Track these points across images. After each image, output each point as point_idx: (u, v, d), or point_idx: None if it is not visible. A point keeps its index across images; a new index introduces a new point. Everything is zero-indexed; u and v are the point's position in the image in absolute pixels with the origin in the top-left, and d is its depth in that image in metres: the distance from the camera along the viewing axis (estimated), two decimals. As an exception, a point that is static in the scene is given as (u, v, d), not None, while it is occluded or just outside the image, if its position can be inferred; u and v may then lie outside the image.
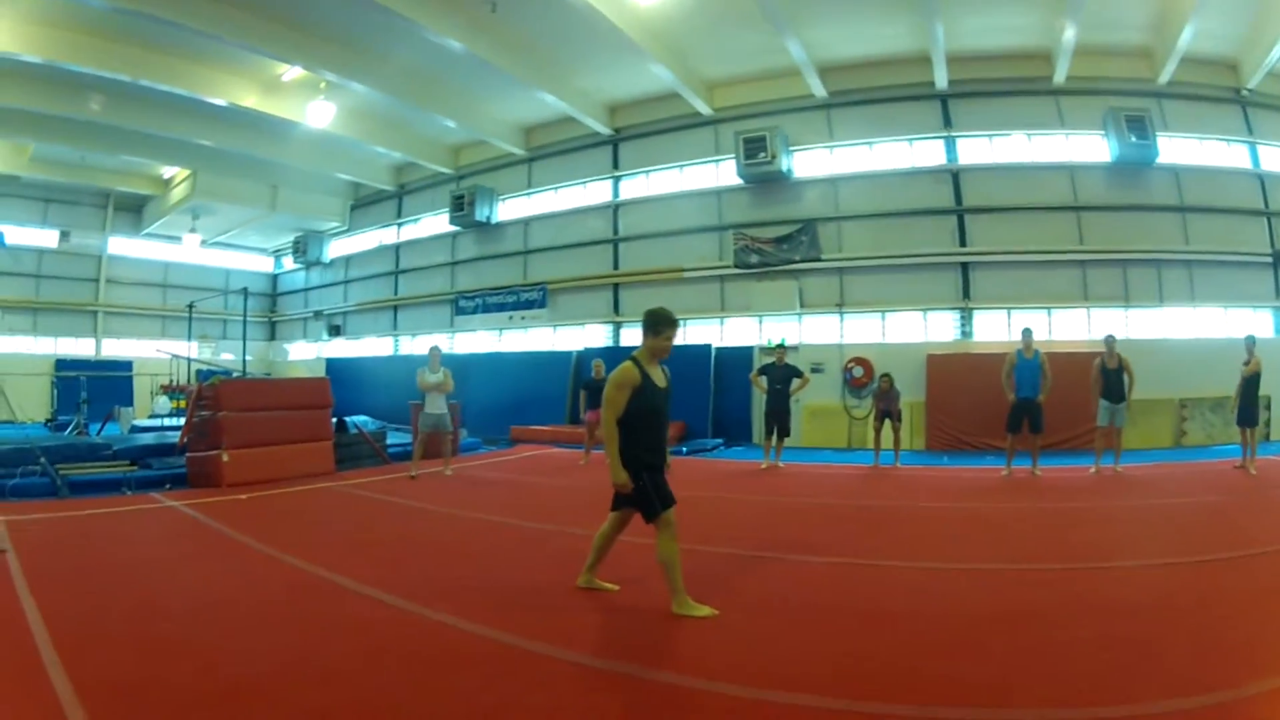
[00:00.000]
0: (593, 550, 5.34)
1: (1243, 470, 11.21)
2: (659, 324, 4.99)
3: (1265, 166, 17.15)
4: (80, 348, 26.63)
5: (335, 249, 27.47)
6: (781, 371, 12.99)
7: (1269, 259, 16.78)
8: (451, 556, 6.74)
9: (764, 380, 13.08)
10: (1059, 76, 16.55)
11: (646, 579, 5.27)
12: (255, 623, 4.68)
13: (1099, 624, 4.62)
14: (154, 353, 22.47)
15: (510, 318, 21.38)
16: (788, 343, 16.92)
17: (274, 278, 30.93)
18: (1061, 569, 6.06)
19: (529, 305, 21.02)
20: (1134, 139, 16.13)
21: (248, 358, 26.27)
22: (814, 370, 16.41)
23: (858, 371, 16.97)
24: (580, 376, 17.54)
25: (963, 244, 17.19)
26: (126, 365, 25.73)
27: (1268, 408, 14.52)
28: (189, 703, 3.45)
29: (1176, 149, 17.03)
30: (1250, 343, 11.66)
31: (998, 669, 3.95)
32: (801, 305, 18.04)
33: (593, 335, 20.54)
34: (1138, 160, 16.59)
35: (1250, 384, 11.53)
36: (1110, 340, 11.75)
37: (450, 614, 4.75)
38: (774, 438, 12.98)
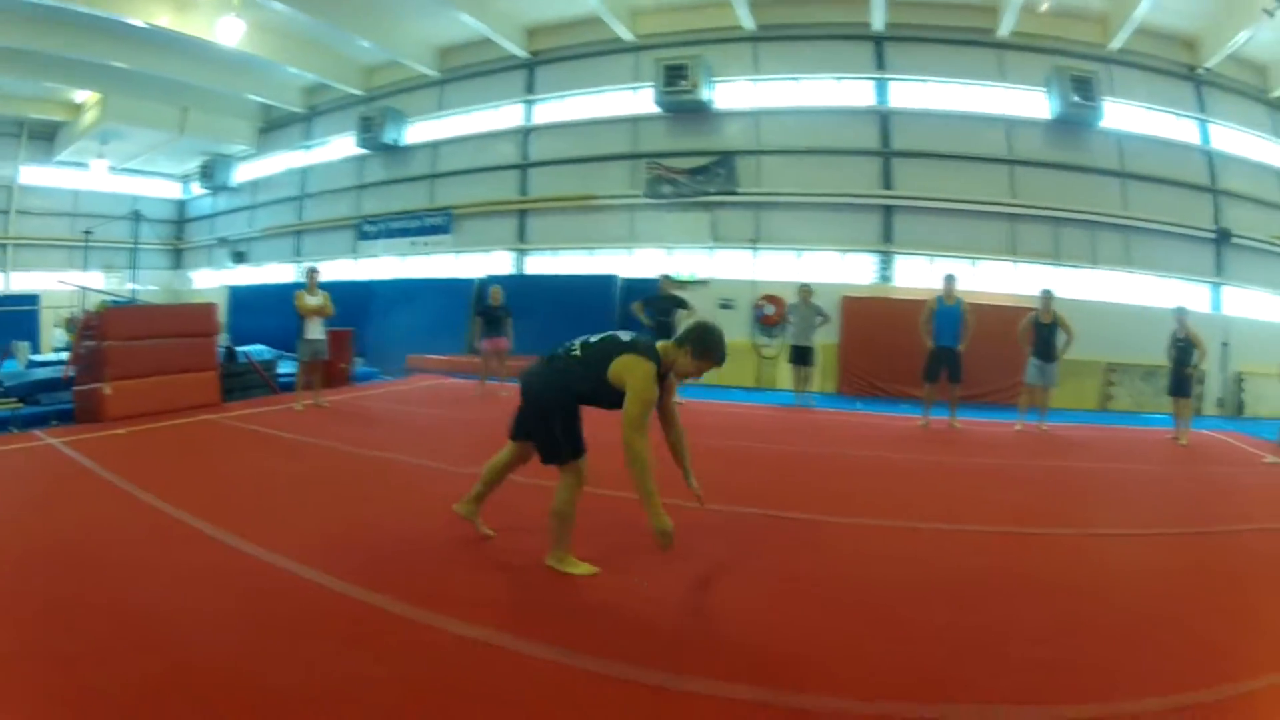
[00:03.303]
0: (481, 480, 4.68)
1: (1174, 441, 10.78)
2: (714, 353, 4.06)
3: (1216, 145, 17.09)
4: (-12, 284, 25.25)
5: (243, 173, 26.23)
6: (664, 302, 12.31)
7: (1211, 235, 16.77)
8: (327, 498, 6.07)
9: (645, 311, 12.35)
10: (1003, 30, 16.26)
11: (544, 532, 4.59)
12: (96, 575, 4.12)
13: (1044, 600, 4.24)
14: (57, 284, 21.32)
15: (413, 243, 20.51)
16: (697, 276, 16.31)
17: (181, 204, 29.47)
18: (994, 532, 5.66)
19: (433, 231, 20.18)
20: (1077, 99, 15.89)
21: (153, 287, 25.26)
22: (723, 306, 15.80)
23: (769, 309, 16.41)
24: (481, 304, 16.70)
25: (887, 187, 16.79)
26: (32, 299, 24.34)
27: (1201, 382, 14.20)
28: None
29: (1122, 115, 16.79)
30: (1180, 314, 11.17)
31: (931, 651, 3.50)
32: (714, 239, 17.46)
33: (497, 262, 19.74)
34: (1079, 121, 16.38)
35: (1183, 353, 11.05)
36: (1046, 295, 11.21)
37: (312, 567, 4.21)
38: None
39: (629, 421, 3.82)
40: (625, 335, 4.15)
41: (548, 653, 3.27)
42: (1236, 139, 17.41)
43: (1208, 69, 16.57)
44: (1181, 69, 16.89)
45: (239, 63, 19.97)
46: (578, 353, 4.11)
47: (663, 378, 4.05)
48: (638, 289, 16.87)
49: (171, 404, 10.04)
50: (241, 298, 21.93)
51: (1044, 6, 15.78)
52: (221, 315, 16.96)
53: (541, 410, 4.15)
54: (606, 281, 17.41)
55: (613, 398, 3.99)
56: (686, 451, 4.47)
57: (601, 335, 4.17)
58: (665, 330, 12.25)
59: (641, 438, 3.81)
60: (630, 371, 3.90)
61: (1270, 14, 13.70)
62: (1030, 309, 11.41)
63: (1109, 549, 5.49)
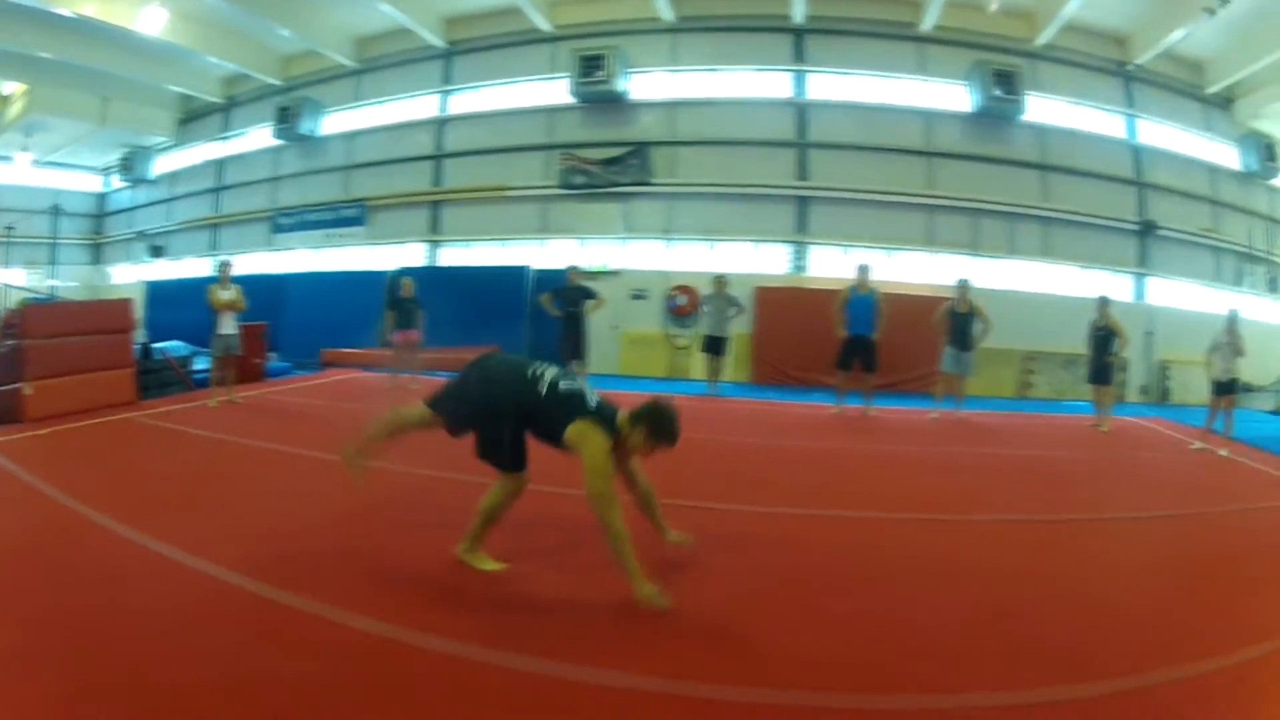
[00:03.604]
0: (383, 426, 4.45)
1: (1095, 429, 10.97)
2: (666, 437, 3.90)
3: (1143, 139, 17.44)
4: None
5: (161, 165, 25.55)
6: (572, 293, 12.21)
7: (1135, 227, 17.14)
8: (235, 494, 5.88)
9: (554, 302, 12.33)
10: (926, 24, 16.42)
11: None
12: (15, 579, 3.93)
13: (960, 588, 4.21)
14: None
15: (328, 236, 20.11)
16: (610, 267, 16.19)
17: (102, 197, 28.49)
18: (909, 519, 5.60)
19: (347, 223, 19.80)
20: (1000, 93, 16.08)
21: (73, 283, 24.71)
22: (636, 297, 15.61)
23: (681, 300, 16.25)
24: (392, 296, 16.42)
25: (803, 178, 16.79)
26: (-45, 298, 23.72)
27: (1123, 370, 14.45)
28: None
29: (1045, 109, 17.04)
30: (1102, 303, 11.30)
31: (847, 642, 3.45)
32: (627, 229, 17.32)
33: (411, 254, 19.39)
34: (1000, 114, 16.56)
35: (1102, 341, 11.15)
36: (963, 284, 11.29)
37: (219, 564, 4.07)
38: (572, 363, 12.24)
39: (597, 497, 3.62)
40: (592, 397, 3.95)
41: (457, 648, 3.19)
42: (1165, 133, 17.67)
43: (1138, 65, 16.89)
44: (1111, 65, 17.20)
45: (160, 52, 19.70)
46: (543, 389, 3.91)
47: (617, 446, 3.89)
48: (549, 280, 16.74)
49: (90, 403, 9.68)
50: (159, 293, 21.37)
51: (994, 6, 15.92)
52: (139, 311, 16.59)
53: (494, 414, 4.00)
54: (518, 273, 17.20)
55: (562, 447, 3.87)
56: (657, 506, 4.32)
57: (570, 386, 3.96)
58: (573, 321, 12.16)
59: (613, 510, 3.61)
60: (586, 442, 3.73)
61: (1211, 12, 13.88)
62: (947, 298, 11.45)
63: (1030, 534, 5.46)
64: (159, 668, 2.95)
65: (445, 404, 4.18)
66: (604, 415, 3.86)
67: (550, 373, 4.00)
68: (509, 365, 4.13)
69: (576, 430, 3.75)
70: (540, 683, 2.93)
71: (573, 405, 3.84)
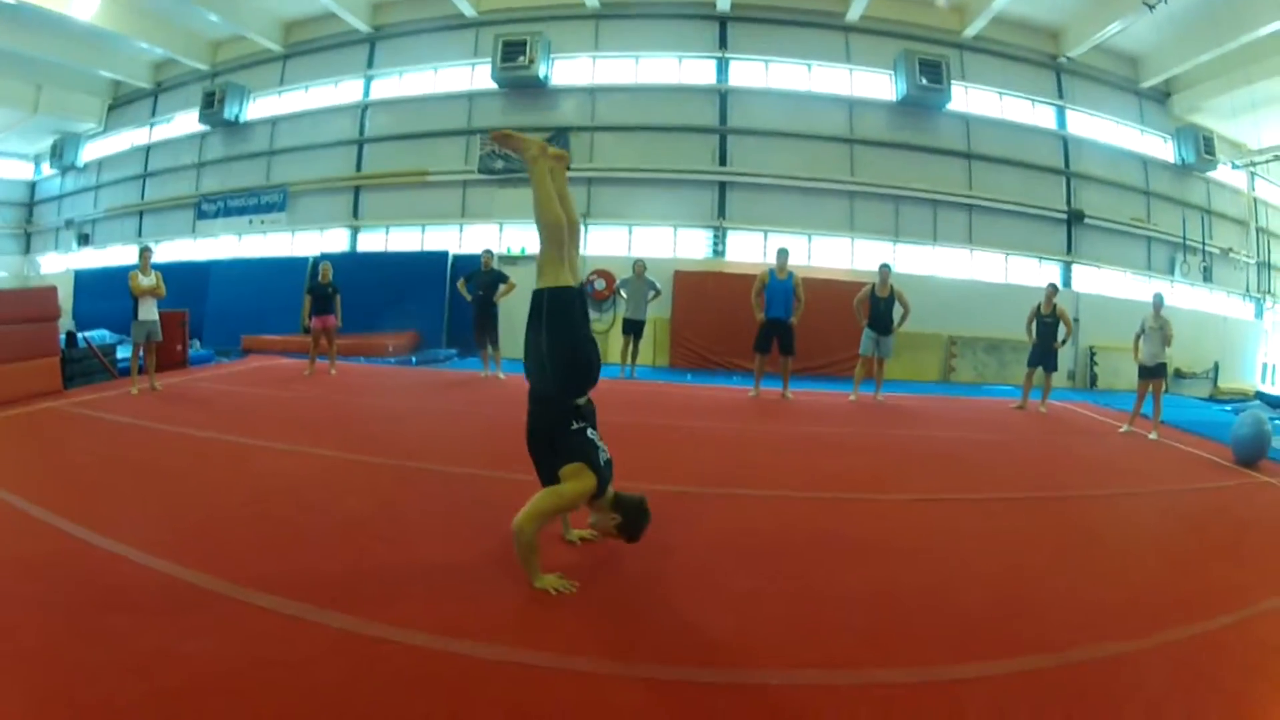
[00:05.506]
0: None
1: (1021, 410, 11.24)
2: (634, 535, 3.88)
3: (1072, 130, 17.66)
4: None
5: (90, 152, 24.96)
6: (485, 277, 12.20)
7: (1062, 215, 17.33)
8: (152, 479, 5.75)
9: (467, 287, 12.36)
10: (853, 14, 16.52)
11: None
12: None
13: (870, 566, 4.15)
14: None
15: (251, 222, 19.89)
16: (528, 251, 16.02)
17: (32, 185, 27.62)
18: (819, 498, 5.56)
19: (269, 209, 19.58)
20: (925, 82, 16.20)
21: (2, 273, 24.37)
22: (552, 281, 15.49)
23: (599, 284, 16.28)
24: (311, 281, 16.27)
25: (723, 163, 16.85)
26: (-113, 289, 23.22)
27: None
28: None
29: (973, 99, 17.24)
30: (1050, 291, 11.39)
31: (739, 618, 3.37)
32: (544, 214, 17.07)
33: (333, 240, 19.24)
34: (926, 103, 16.68)
35: (1048, 329, 11.24)
36: (885, 269, 11.32)
37: (127, 544, 4.03)
38: (485, 348, 12.25)
39: (537, 513, 3.61)
40: (604, 454, 3.88)
41: (354, 625, 3.17)
42: (1097, 125, 17.87)
43: (1070, 58, 17.09)
44: (1042, 57, 17.38)
45: (93, 37, 19.42)
46: (574, 425, 3.85)
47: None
48: (469, 265, 16.64)
49: (13, 393, 9.45)
50: (86, 282, 21.13)
51: (941, 1, 16.10)
52: (67, 300, 16.30)
53: (563, 347, 3.97)
54: (438, 258, 17.18)
55: (549, 469, 3.85)
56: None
57: (594, 435, 3.91)
58: (486, 306, 12.07)
59: (536, 531, 3.61)
60: (578, 482, 3.72)
61: (1150, 7, 13.99)
62: (868, 283, 11.48)
63: (945, 513, 5.46)
64: (61, 646, 2.91)
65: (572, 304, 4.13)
66: (604, 477, 3.83)
67: (587, 409, 3.99)
68: (592, 353, 4.07)
69: (578, 470, 3.73)
70: (430, 656, 2.91)
71: (588, 451, 3.79)
